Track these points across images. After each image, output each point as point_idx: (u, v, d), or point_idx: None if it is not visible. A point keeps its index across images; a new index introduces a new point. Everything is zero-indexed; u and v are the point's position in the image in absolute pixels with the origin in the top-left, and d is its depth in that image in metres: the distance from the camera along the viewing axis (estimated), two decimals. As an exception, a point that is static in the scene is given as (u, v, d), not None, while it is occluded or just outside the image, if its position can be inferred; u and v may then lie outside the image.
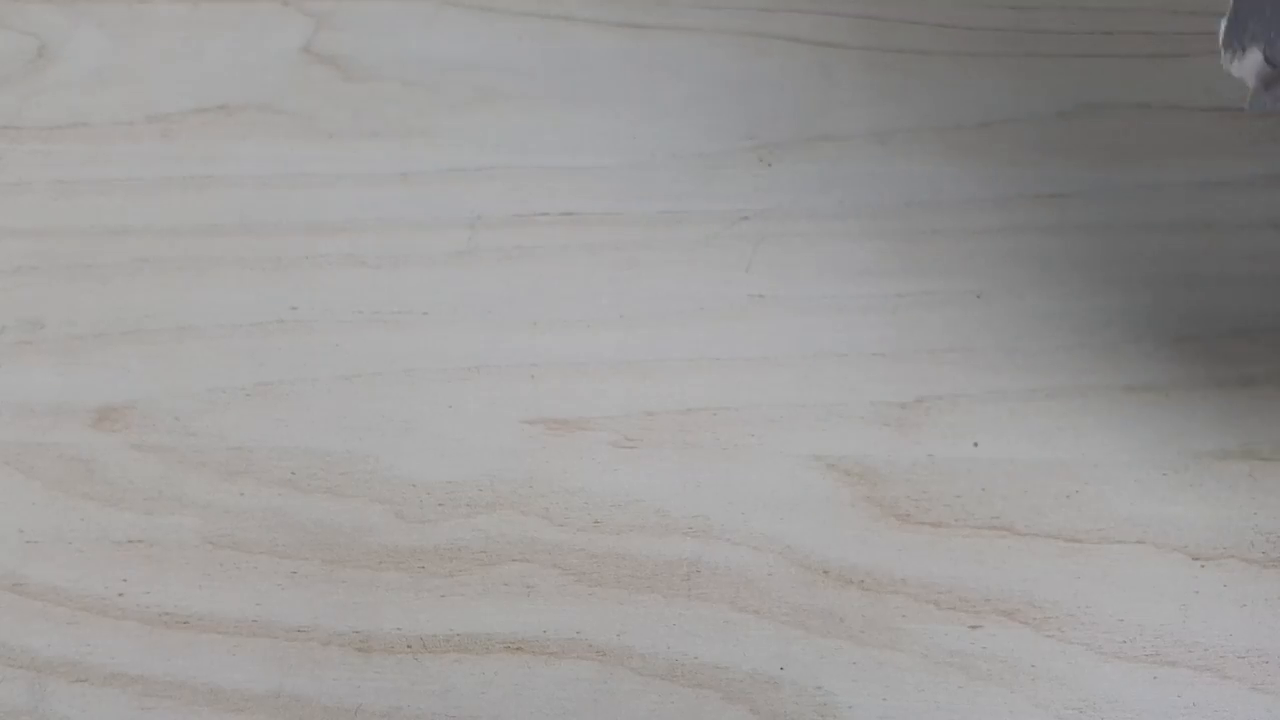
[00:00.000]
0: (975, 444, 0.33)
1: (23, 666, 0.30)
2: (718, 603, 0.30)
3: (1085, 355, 0.34)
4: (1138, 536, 0.31)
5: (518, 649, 0.30)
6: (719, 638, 0.30)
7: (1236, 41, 0.28)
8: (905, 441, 0.33)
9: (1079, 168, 0.40)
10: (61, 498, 0.32)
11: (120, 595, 0.31)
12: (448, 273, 0.37)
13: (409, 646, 0.30)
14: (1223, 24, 0.28)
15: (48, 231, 0.38)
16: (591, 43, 0.43)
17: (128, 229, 0.38)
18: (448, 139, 0.40)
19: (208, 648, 0.30)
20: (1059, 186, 0.39)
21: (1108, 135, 0.41)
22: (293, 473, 0.33)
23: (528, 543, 0.31)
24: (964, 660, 0.29)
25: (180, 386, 0.34)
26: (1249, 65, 0.28)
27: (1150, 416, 0.33)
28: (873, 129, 0.41)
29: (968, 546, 0.31)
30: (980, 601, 0.30)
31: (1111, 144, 0.40)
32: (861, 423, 0.33)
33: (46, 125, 0.41)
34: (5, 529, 0.32)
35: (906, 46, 0.43)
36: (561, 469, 0.33)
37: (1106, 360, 0.34)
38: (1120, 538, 0.31)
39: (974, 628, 0.30)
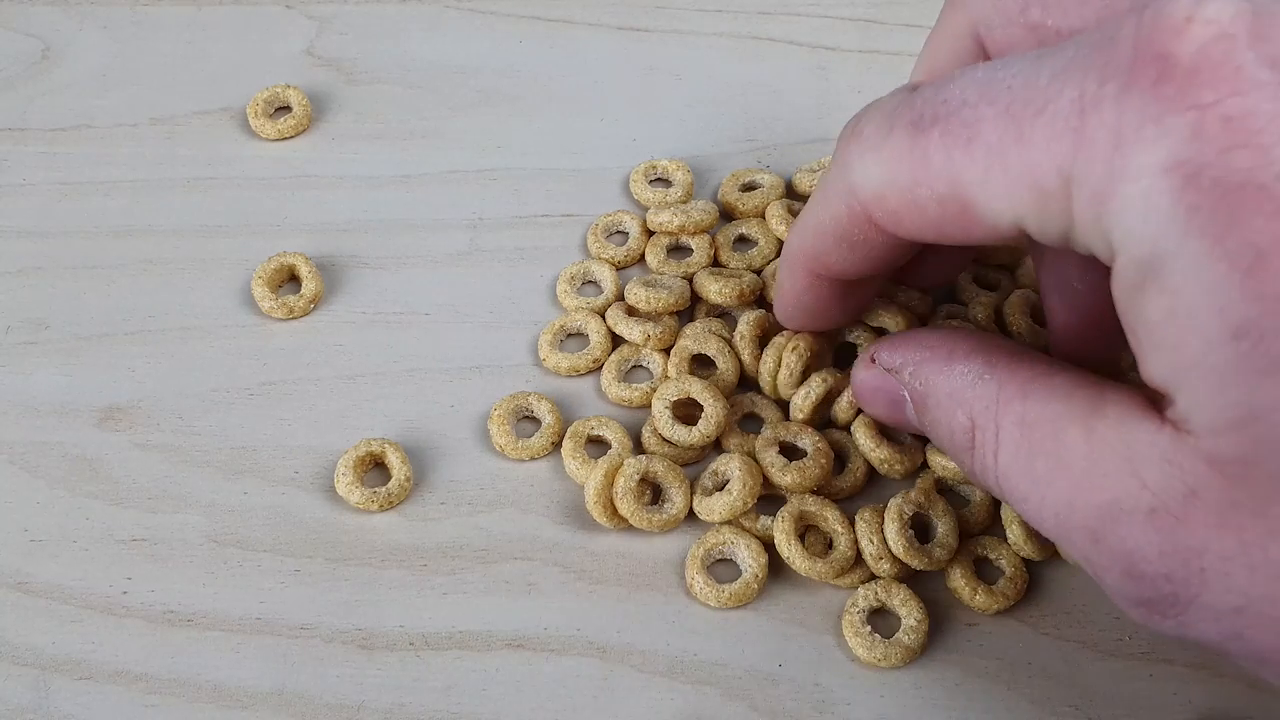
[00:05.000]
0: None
1: (27, 664, 0.30)
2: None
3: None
4: (1134, 535, 0.31)
5: (519, 646, 0.30)
6: (718, 635, 0.30)
7: None
8: (903, 441, 0.33)
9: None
10: (66, 496, 0.33)
11: (124, 593, 0.31)
12: (449, 273, 0.37)
13: (411, 644, 0.30)
14: None
15: (52, 233, 0.38)
16: (591, 46, 0.44)
17: (132, 230, 0.38)
18: (449, 141, 0.41)
19: (211, 645, 0.30)
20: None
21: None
22: (296, 472, 0.33)
23: (529, 541, 0.32)
24: (961, 657, 0.29)
25: (184, 386, 0.35)
26: None
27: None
28: (871, 131, 0.41)
29: (965, 544, 0.31)
30: (978, 599, 0.30)
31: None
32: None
33: (51, 127, 0.41)
34: (10, 528, 0.32)
35: (903, 49, 0.43)
36: (562, 467, 0.33)
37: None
38: (1116, 536, 0.31)
39: (970, 625, 0.30)
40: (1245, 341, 0.19)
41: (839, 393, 0.32)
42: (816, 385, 0.32)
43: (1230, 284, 0.19)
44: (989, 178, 0.22)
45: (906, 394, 0.27)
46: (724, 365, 0.33)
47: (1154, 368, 0.21)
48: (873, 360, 0.28)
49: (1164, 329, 0.20)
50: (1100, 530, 0.22)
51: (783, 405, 0.33)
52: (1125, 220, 0.20)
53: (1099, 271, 0.28)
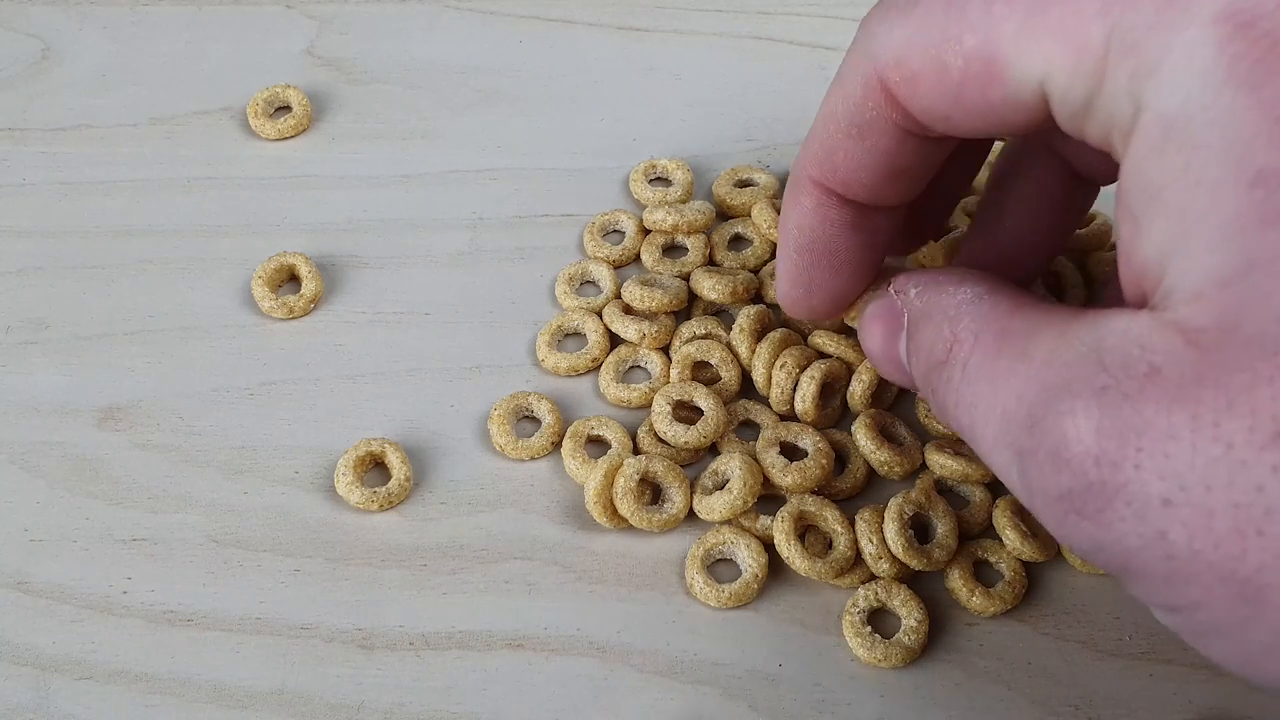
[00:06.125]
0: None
1: (27, 664, 0.30)
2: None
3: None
4: (1134, 535, 0.31)
5: (519, 646, 0.30)
6: (718, 635, 0.30)
7: None
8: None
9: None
10: (66, 496, 0.33)
11: (124, 593, 0.31)
12: (449, 273, 0.37)
13: (411, 644, 0.30)
14: None
15: (52, 232, 0.38)
16: (591, 46, 0.44)
17: (131, 230, 0.38)
18: (449, 141, 0.41)
19: (211, 645, 0.30)
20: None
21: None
22: (296, 471, 0.33)
23: (529, 541, 0.32)
24: (961, 657, 0.29)
25: (184, 386, 0.35)
26: None
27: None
28: (871, 131, 0.41)
29: (965, 545, 0.31)
30: (977, 599, 0.30)
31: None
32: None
33: (51, 127, 0.41)
34: (10, 528, 0.32)
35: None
36: (562, 467, 0.33)
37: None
38: (1116, 536, 0.31)
39: (970, 625, 0.30)
40: (1260, 189, 0.18)
41: (835, 379, 0.32)
42: (809, 383, 0.32)
43: (1258, 132, 0.18)
44: (1025, 30, 0.21)
45: (906, 317, 0.26)
46: (726, 375, 0.33)
47: (1149, 240, 0.20)
48: (888, 287, 0.27)
49: (1172, 188, 0.19)
50: (1039, 413, 0.20)
51: (779, 412, 0.33)
52: (1162, 71, 0.20)
53: (1063, 183, 0.28)
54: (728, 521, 0.31)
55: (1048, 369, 0.21)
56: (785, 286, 0.29)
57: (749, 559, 0.30)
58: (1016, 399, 0.21)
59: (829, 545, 0.31)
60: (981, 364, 0.22)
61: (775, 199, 0.37)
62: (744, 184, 0.38)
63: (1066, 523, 0.20)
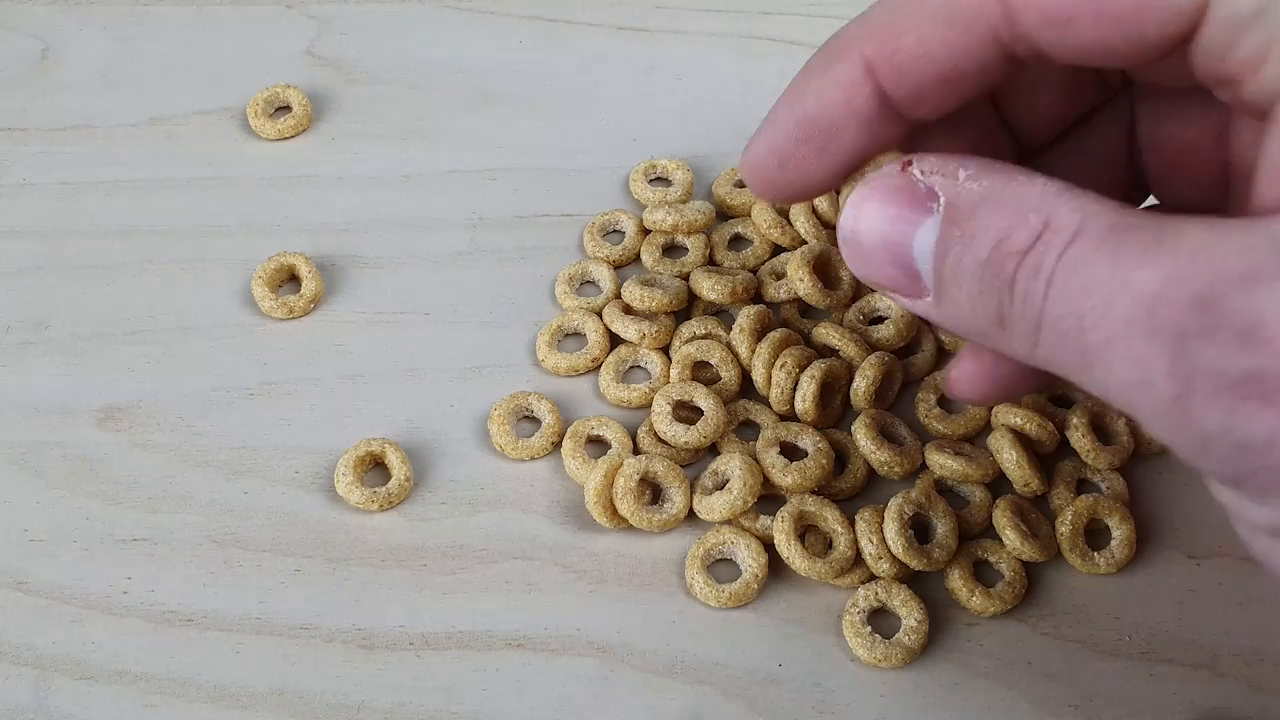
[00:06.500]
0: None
1: (27, 664, 0.30)
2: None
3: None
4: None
5: (519, 646, 0.30)
6: (718, 635, 0.30)
7: None
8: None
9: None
10: (66, 496, 0.33)
11: (124, 593, 0.31)
12: (449, 273, 0.37)
13: (411, 644, 0.30)
14: None
15: (52, 232, 0.38)
16: (591, 46, 0.44)
17: (132, 230, 0.38)
18: (449, 141, 0.41)
19: (211, 645, 0.30)
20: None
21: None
22: (296, 471, 0.33)
23: (529, 541, 0.32)
24: (961, 657, 0.29)
25: (184, 386, 0.35)
26: None
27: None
28: (871, 131, 0.41)
29: (965, 545, 0.31)
30: (978, 599, 0.30)
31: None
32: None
33: (51, 127, 0.41)
34: (10, 528, 0.32)
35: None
36: (562, 467, 0.33)
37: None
38: (1116, 536, 0.31)
39: (970, 625, 0.30)
40: None
41: (835, 379, 0.32)
42: (809, 383, 0.32)
43: None
44: None
45: (941, 202, 0.22)
46: (726, 375, 0.33)
47: None
48: (904, 168, 0.23)
49: None
50: (1218, 292, 0.19)
51: (779, 412, 0.33)
52: None
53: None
54: (728, 521, 0.31)
55: (1212, 254, 0.19)
56: (761, 152, 0.25)
57: (749, 559, 0.30)
58: (1166, 279, 0.19)
59: (829, 545, 0.31)
60: (1095, 249, 0.20)
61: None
62: (744, 184, 0.38)
63: (1239, 412, 0.19)
